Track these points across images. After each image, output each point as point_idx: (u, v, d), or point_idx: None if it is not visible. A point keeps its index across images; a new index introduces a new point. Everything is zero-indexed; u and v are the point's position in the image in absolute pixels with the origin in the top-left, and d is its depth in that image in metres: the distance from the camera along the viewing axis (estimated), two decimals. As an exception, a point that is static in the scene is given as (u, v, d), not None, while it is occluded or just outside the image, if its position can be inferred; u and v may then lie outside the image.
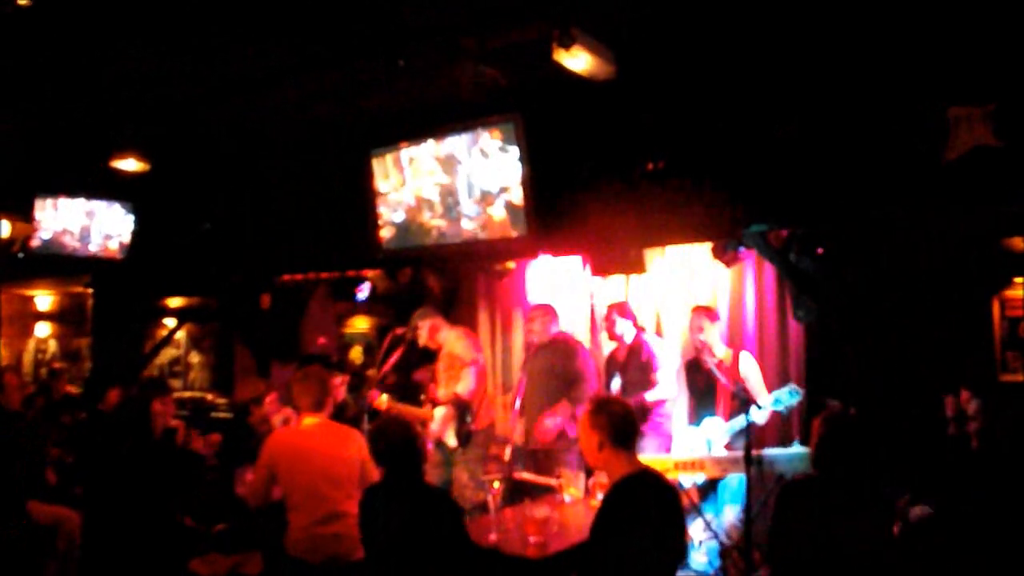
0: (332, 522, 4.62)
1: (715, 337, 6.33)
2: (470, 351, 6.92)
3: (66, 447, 7.02)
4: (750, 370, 6.17)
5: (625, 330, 6.73)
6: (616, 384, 6.57)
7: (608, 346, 7.12)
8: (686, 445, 6.08)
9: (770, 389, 6.01)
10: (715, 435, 5.89)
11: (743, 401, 5.56)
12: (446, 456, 6.88)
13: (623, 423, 3.79)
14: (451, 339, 7.06)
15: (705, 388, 6.32)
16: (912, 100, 5.16)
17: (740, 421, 5.72)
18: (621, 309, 6.84)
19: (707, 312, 6.44)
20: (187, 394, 10.59)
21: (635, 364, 6.59)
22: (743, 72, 5.58)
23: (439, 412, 6.83)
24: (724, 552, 5.83)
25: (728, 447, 5.92)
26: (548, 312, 6.91)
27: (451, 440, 6.80)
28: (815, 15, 5.06)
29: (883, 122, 5.26)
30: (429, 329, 7.09)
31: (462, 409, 6.78)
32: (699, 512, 5.91)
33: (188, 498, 5.87)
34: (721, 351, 6.29)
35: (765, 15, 5.09)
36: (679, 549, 3.91)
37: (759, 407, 5.71)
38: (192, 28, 5.40)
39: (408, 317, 7.26)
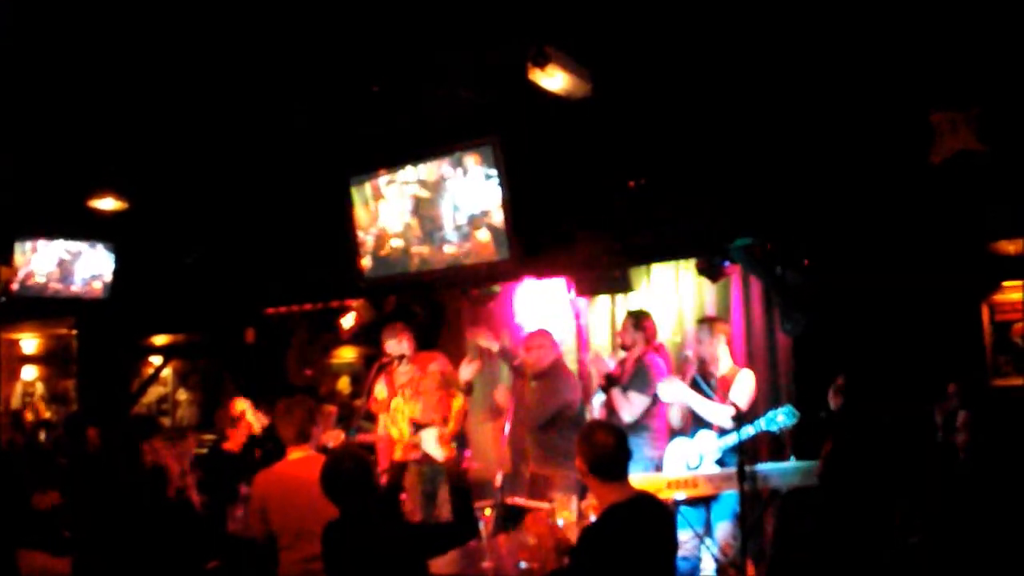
0: (325, 559, 4.55)
1: (717, 350, 6.04)
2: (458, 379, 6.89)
3: (56, 491, 6.90)
4: (742, 390, 5.86)
5: (636, 342, 6.38)
6: (598, 400, 6.36)
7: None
8: (679, 457, 5.97)
9: (760, 404, 5.94)
10: (708, 449, 5.80)
11: (735, 418, 5.51)
12: (432, 473, 6.80)
13: (605, 454, 3.71)
14: (446, 364, 7.03)
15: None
16: (894, 106, 5.15)
17: (733, 437, 5.64)
18: (638, 320, 6.44)
19: (710, 324, 6.17)
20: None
21: (638, 384, 6.25)
22: (723, 83, 5.55)
23: (431, 433, 6.77)
24: (720, 569, 5.75)
25: (720, 463, 5.83)
26: (546, 340, 6.70)
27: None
28: (795, 25, 5.04)
29: (866, 129, 5.24)
30: (410, 342, 7.04)
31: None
32: (693, 529, 5.83)
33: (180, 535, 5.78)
34: (724, 366, 6.02)
35: (745, 25, 5.07)
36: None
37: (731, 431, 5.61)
38: (164, 64, 5.39)
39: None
